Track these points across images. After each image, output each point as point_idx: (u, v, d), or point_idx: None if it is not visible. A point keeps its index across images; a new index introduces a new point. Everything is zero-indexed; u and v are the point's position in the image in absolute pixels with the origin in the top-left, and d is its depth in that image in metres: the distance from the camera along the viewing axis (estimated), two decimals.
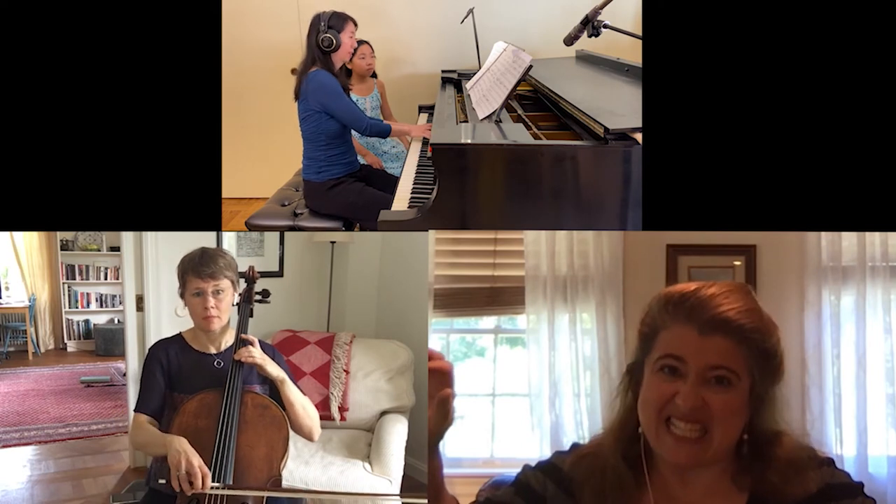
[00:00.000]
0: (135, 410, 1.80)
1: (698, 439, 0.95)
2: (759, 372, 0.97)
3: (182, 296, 1.83)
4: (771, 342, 0.98)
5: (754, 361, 0.96)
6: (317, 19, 2.69)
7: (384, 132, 2.88)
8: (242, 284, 1.93)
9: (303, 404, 1.82)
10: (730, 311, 0.96)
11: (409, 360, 2.95)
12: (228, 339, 1.87)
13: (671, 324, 0.98)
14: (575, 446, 1.12)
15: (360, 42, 3.50)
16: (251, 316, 1.91)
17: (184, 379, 1.81)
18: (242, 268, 1.93)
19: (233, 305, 1.86)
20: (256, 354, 1.77)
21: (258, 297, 1.95)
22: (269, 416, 1.75)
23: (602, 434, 1.10)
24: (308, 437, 1.86)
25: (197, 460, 1.59)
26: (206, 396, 1.73)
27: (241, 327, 1.85)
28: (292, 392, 1.80)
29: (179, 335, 1.90)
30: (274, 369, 1.79)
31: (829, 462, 1.01)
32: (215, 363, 1.84)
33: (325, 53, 2.65)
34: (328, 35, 2.63)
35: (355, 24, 2.74)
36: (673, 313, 0.99)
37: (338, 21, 2.68)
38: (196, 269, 1.78)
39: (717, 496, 1.00)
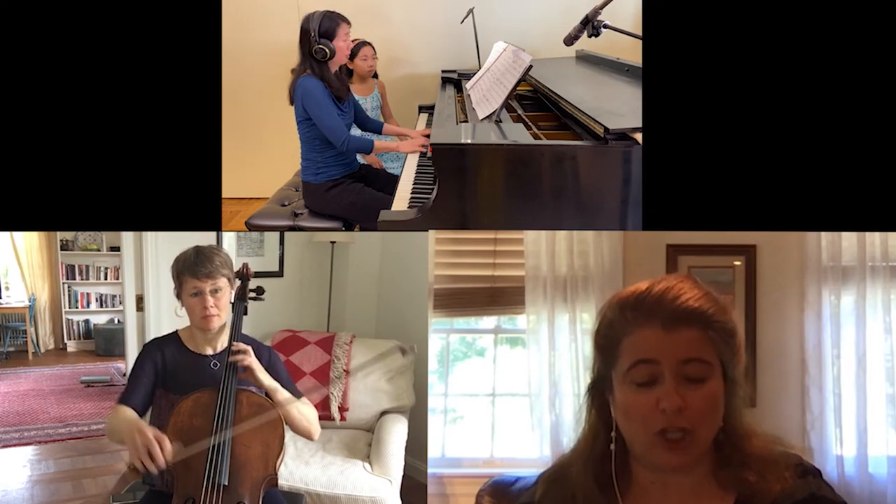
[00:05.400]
0: (118, 401, 1.75)
1: (687, 440, 0.93)
2: (727, 354, 0.96)
3: (178, 296, 1.82)
4: (731, 322, 0.97)
5: (722, 345, 0.95)
6: (306, 25, 2.58)
7: (366, 149, 2.79)
8: (237, 283, 1.91)
9: (297, 408, 1.81)
10: (689, 301, 0.94)
11: (409, 360, 2.95)
12: (225, 340, 1.85)
13: (633, 328, 0.95)
14: (540, 475, 1.10)
15: (363, 43, 3.50)
16: (245, 314, 1.89)
17: (179, 380, 1.80)
18: (236, 265, 1.92)
19: (229, 303, 1.86)
20: (250, 362, 1.75)
21: (252, 294, 1.94)
22: (265, 415, 1.74)
23: (569, 455, 1.07)
24: (307, 437, 1.86)
25: (151, 431, 1.54)
26: (201, 396, 1.72)
27: (236, 325, 1.84)
28: (284, 399, 1.79)
29: (175, 334, 1.89)
30: (265, 379, 1.77)
31: (816, 473, 0.99)
32: (212, 364, 1.83)
33: (321, 63, 2.60)
34: (321, 46, 2.55)
35: (348, 24, 2.65)
36: (632, 318, 0.96)
37: (330, 26, 2.57)
38: (192, 269, 1.77)
39: (702, 499, 0.98)
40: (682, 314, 0.94)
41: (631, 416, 0.96)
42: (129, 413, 1.71)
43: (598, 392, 1.02)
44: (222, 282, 1.80)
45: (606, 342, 0.99)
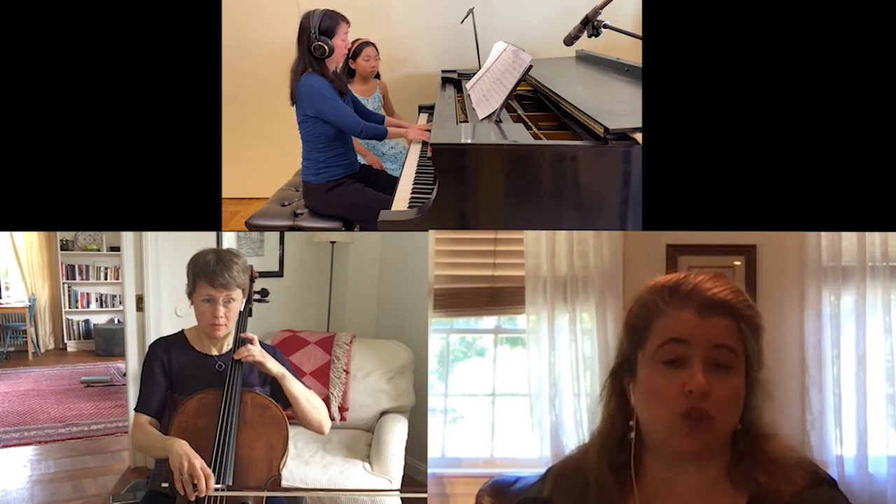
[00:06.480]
0: (135, 410, 1.79)
1: (706, 426, 0.94)
2: (753, 350, 0.98)
3: (189, 295, 1.82)
4: (759, 320, 1.00)
5: (748, 340, 0.98)
6: (306, 22, 2.59)
7: (381, 135, 2.81)
8: None
9: (307, 397, 1.82)
10: (723, 293, 0.98)
11: (409, 360, 2.95)
12: (230, 342, 1.86)
13: (668, 310, 0.99)
14: (548, 470, 1.11)
15: (366, 43, 3.50)
16: (250, 315, 1.90)
17: (184, 380, 1.80)
18: None
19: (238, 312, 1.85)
20: (256, 353, 1.77)
21: (257, 296, 1.95)
22: (269, 416, 1.74)
23: (584, 446, 1.09)
24: (318, 430, 1.86)
25: (199, 462, 1.58)
26: (205, 396, 1.73)
27: (240, 327, 1.85)
28: (295, 387, 1.80)
29: (181, 333, 1.89)
30: (274, 366, 1.79)
31: (832, 483, 0.99)
32: (216, 365, 1.83)
33: (319, 60, 2.60)
34: (320, 43, 2.56)
35: (348, 23, 2.66)
36: (670, 300, 0.99)
37: (330, 24, 2.58)
38: (210, 277, 1.75)
39: (713, 499, 0.99)
40: (717, 303, 0.97)
41: (654, 397, 0.98)
42: (150, 425, 1.74)
43: (619, 379, 1.04)
44: (236, 293, 1.79)
45: (639, 322, 1.01)
